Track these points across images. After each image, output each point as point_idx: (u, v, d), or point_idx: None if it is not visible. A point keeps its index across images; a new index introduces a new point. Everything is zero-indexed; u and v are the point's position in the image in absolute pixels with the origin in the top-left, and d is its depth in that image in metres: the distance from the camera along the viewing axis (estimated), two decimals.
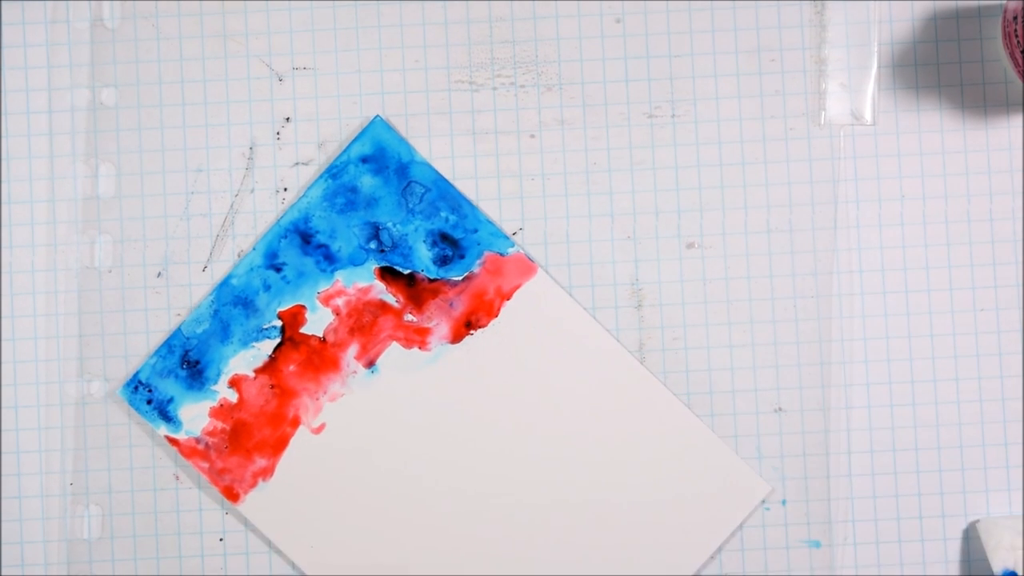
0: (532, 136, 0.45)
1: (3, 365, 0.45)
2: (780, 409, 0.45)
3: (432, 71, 0.45)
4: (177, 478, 0.45)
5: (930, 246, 0.45)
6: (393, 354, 0.45)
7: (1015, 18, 0.42)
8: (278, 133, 0.45)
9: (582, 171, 0.45)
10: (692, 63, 0.45)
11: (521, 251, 0.45)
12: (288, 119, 0.45)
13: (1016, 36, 0.42)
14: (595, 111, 0.45)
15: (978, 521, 0.44)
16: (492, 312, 0.45)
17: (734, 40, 0.45)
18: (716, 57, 0.45)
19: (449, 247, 0.45)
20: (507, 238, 0.45)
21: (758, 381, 0.45)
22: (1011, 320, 0.45)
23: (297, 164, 0.45)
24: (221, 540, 0.45)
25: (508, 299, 0.45)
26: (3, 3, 0.46)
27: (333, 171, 0.45)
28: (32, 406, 0.45)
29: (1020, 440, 0.45)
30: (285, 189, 0.45)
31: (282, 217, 0.45)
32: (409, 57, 0.45)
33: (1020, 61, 0.42)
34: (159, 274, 0.45)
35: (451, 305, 0.45)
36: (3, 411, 0.45)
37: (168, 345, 0.45)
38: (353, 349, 0.45)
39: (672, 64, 0.45)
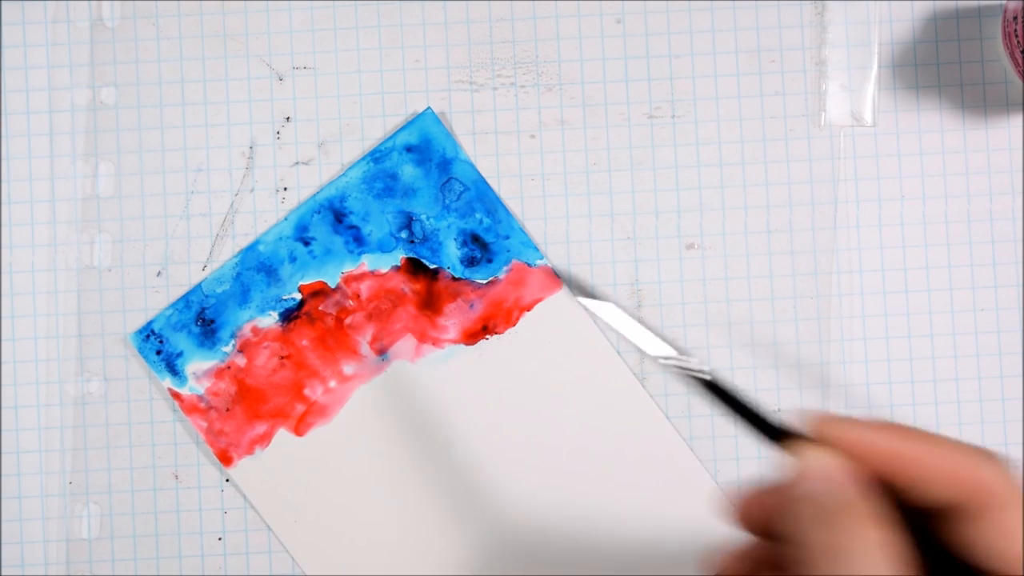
0: (532, 136, 0.45)
1: (3, 365, 0.45)
2: (780, 409, 0.45)
3: (432, 71, 0.45)
4: (176, 477, 0.45)
5: (930, 246, 0.45)
6: (405, 346, 0.45)
7: (1015, 18, 0.42)
8: (278, 133, 0.45)
9: (582, 171, 0.45)
10: (692, 63, 0.45)
11: (549, 264, 0.45)
12: (288, 119, 0.45)
13: (1016, 36, 0.42)
14: (595, 111, 0.45)
15: None
16: (510, 321, 0.45)
17: (734, 40, 0.45)
18: (716, 57, 0.45)
19: (479, 249, 0.45)
20: (537, 250, 0.45)
21: (758, 381, 0.45)
22: (1011, 320, 0.45)
23: (297, 164, 0.45)
24: (220, 540, 0.45)
25: (528, 310, 0.45)
26: (3, 3, 0.46)
27: (376, 155, 0.45)
28: (32, 406, 0.45)
29: (1020, 440, 0.45)
30: (285, 189, 0.45)
31: (318, 192, 0.45)
32: (409, 57, 0.45)
33: (1020, 61, 0.42)
34: (159, 274, 0.45)
35: (471, 307, 0.45)
36: (3, 411, 0.45)
37: (186, 300, 0.45)
38: (367, 334, 0.45)
39: (672, 64, 0.45)
